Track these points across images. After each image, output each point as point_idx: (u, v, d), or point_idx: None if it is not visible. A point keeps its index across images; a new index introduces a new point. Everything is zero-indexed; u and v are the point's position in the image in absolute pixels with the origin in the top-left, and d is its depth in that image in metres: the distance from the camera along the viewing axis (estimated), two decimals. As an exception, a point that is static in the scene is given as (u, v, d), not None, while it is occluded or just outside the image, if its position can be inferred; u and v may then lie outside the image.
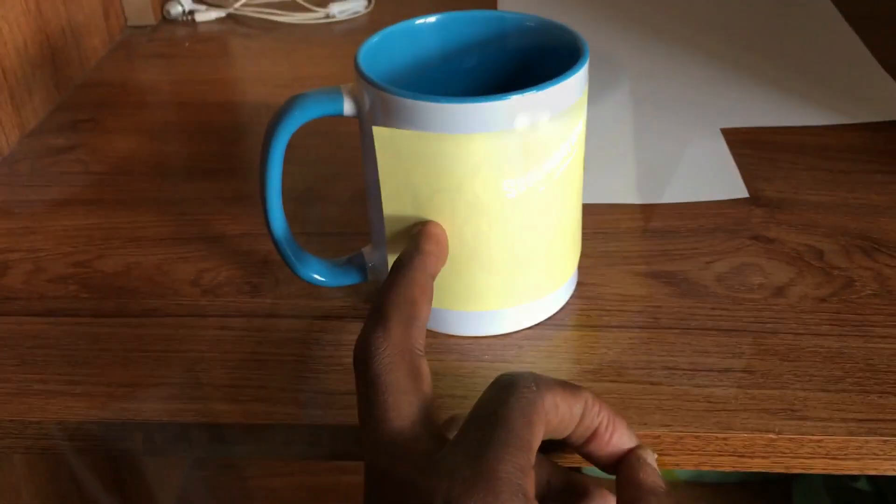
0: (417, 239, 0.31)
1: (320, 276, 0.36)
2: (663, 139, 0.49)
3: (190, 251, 0.41)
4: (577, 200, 0.35)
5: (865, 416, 0.31)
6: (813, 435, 0.30)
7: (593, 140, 0.36)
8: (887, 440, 0.30)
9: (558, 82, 0.30)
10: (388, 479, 0.25)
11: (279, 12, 0.67)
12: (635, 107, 0.52)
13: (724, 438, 0.30)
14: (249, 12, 0.67)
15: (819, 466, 0.31)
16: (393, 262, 0.30)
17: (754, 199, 0.43)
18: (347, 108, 0.32)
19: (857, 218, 0.41)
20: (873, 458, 0.31)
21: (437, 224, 0.32)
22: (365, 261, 0.36)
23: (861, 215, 0.41)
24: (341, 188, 0.45)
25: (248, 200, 0.44)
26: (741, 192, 0.44)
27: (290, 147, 0.33)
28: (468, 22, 0.36)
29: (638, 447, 0.28)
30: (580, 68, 0.31)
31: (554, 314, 0.36)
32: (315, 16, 0.66)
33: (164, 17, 0.68)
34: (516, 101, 0.29)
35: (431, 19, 0.36)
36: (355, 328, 0.28)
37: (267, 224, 0.35)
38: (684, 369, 0.33)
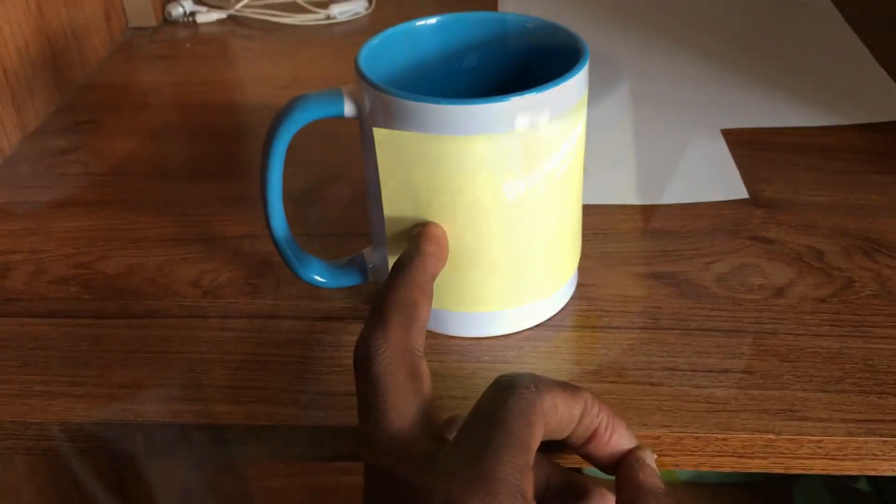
0: (417, 240, 0.31)
1: (321, 278, 0.36)
2: (663, 140, 0.49)
3: (191, 252, 0.41)
4: (577, 201, 0.35)
5: (865, 417, 0.31)
6: (812, 435, 0.30)
7: (593, 141, 0.36)
8: (886, 441, 0.30)
9: (558, 84, 0.30)
10: (388, 479, 0.25)
11: (280, 14, 0.67)
12: (635, 108, 0.52)
13: (724, 439, 0.30)
14: (250, 14, 0.67)
15: (818, 467, 0.31)
16: (393, 263, 0.31)
17: (754, 200, 0.43)
18: (348, 109, 0.33)
19: (856, 219, 0.41)
20: (872, 459, 0.31)
21: (437, 225, 0.32)
22: (365, 262, 0.36)
23: (861, 216, 0.41)
24: (342, 189, 0.46)
25: (248, 201, 0.44)
26: (741, 192, 0.44)
27: (291, 148, 0.33)
28: (468, 23, 0.36)
29: (637, 448, 0.28)
30: (580, 70, 0.31)
31: (554, 315, 0.36)
32: (316, 17, 0.67)
33: (165, 19, 0.68)
34: (516, 102, 0.29)
35: (432, 21, 0.36)
36: (356, 329, 0.28)
37: (268, 225, 0.35)
38: (684, 370, 0.33)
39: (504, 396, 0.25)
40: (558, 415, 0.26)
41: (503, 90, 0.30)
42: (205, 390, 0.33)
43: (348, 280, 0.36)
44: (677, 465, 0.31)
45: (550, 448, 0.30)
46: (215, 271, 0.40)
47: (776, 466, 0.31)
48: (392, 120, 0.30)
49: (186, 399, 0.33)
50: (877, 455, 0.30)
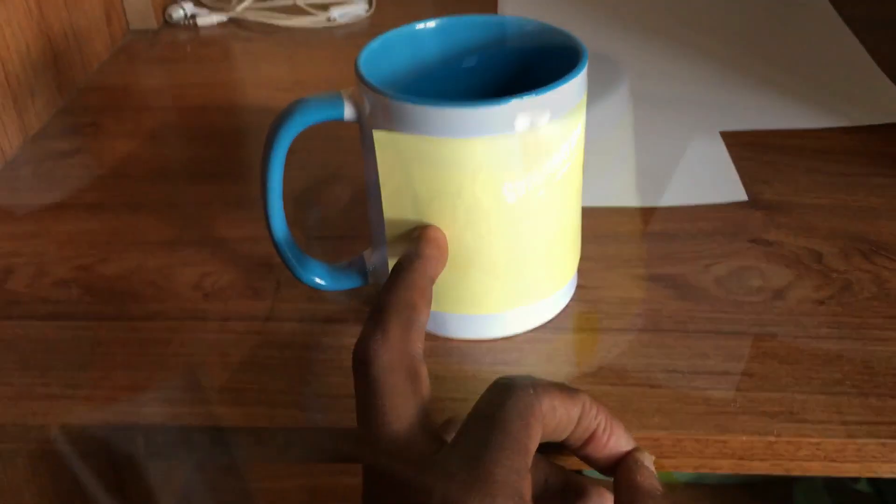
0: (417, 243, 0.31)
1: (321, 280, 0.36)
2: (663, 142, 0.49)
3: (192, 255, 0.41)
4: (576, 204, 0.35)
5: (864, 419, 0.31)
6: (812, 437, 0.30)
7: (593, 143, 0.36)
8: (886, 442, 0.30)
9: (557, 86, 0.30)
10: (386, 480, 0.25)
11: (280, 16, 0.67)
12: (635, 110, 0.53)
13: (724, 441, 0.31)
14: (251, 16, 0.68)
15: (818, 469, 0.31)
16: (393, 265, 0.31)
17: (753, 202, 0.43)
18: (348, 112, 0.33)
19: (855, 221, 0.41)
20: (872, 461, 0.31)
21: (436, 228, 0.32)
22: (366, 264, 0.36)
23: (860, 218, 0.42)
24: (342, 192, 0.46)
25: (249, 204, 0.44)
26: (740, 195, 0.44)
27: (291, 151, 0.33)
28: (468, 26, 0.36)
29: (635, 450, 0.28)
30: (579, 72, 0.31)
31: (554, 317, 0.36)
32: (316, 19, 0.67)
33: (165, 21, 0.68)
34: (516, 105, 0.29)
35: (431, 24, 0.36)
36: (356, 331, 0.28)
37: (268, 228, 0.35)
38: (683, 372, 0.33)
39: (502, 398, 0.25)
40: (556, 417, 0.26)
41: (503, 92, 0.30)
42: (205, 392, 0.33)
43: (348, 282, 0.36)
44: (677, 467, 0.31)
45: (549, 450, 0.30)
46: (216, 274, 0.40)
47: (776, 468, 0.31)
48: (392, 122, 0.31)
49: (187, 401, 0.33)
50: (876, 457, 0.30)
